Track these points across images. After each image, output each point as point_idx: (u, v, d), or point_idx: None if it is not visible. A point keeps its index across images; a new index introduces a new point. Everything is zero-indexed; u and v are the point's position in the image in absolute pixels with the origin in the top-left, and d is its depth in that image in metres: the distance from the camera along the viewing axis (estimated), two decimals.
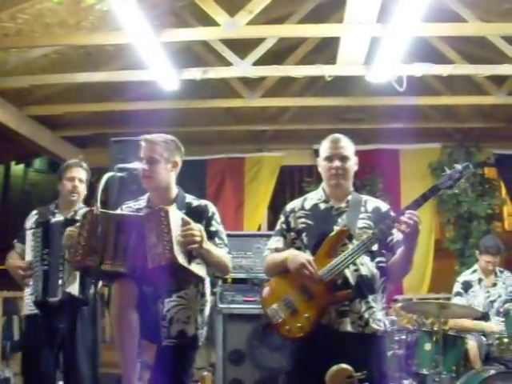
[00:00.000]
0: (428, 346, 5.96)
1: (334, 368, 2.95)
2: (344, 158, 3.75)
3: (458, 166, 3.55)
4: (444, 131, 9.84)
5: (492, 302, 6.56)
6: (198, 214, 3.77)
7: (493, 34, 7.00)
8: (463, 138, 9.71)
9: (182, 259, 3.34)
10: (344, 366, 2.95)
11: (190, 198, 3.89)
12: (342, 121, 9.07)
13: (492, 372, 5.53)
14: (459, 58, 7.68)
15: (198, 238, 3.44)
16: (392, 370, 6.19)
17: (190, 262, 3.44)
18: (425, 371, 5.95)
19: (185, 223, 3.45)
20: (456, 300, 6.59)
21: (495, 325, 6.25)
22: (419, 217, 3.40)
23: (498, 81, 8.19)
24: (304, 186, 8.99)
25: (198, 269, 3.55)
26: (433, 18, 6.31)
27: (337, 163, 3.72)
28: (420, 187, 8.36)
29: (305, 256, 3.55)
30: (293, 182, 10.65)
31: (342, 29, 6.15)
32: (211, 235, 3.76)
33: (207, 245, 3.56)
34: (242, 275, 6.43)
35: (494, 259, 6.64)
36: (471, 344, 6.12)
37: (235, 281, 6.43)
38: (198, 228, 3.49)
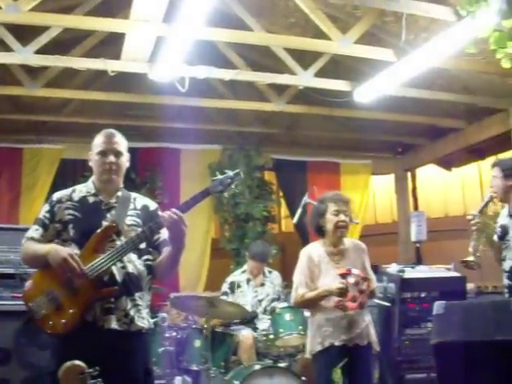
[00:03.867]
0: (198, 343, 6.09)
1: (67, 364, 2.90)
2: (118, 154, 3.72)
3: (230, 173, 3.64)
4: (225, 134, 10.07)
5: (260, 300, 6.85)
6: None
7: (276, 45, 7.30)
8: (243, 141, 10.00)
9: None
10: (77, 362, 2.91)
11: None
12: (125, 117, 9.00)
13: (257, 367, 5.74)
14: (244, 64, 7.92)
15: None
16: (164, 366, 6.25)
17: None
18: (195, 367, 6.07)
19: None
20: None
21: None
22: (182, 217, 3.45)
23: (279, 89, 8.54)
24: (82, 181, 8.81)
25: None
26: (220, 24, 6.47)
27: (111, 158, 3.68)
28: (199, 187, 8.34)
29: (67, 250, 3.44)
30: (75, 175, 10.38)
31: (127, 25, 6.14)
32: None
33: None
34: (11, 270, 6.18)
35: (258, 265, 6.94)
36: (247, 338, 6.33)
37: (3, 276, 6.17)
38: None
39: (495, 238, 4.94)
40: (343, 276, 4.50)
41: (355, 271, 4.54)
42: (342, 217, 4.73)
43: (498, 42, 4.27)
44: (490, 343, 4.29)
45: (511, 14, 4.03)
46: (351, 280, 4.51)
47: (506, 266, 4.87)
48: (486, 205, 4.88)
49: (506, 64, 4.36)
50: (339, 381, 4.43)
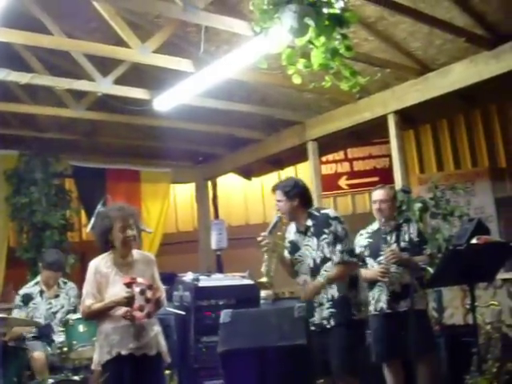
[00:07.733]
0: None
1: None
2: None
3: None
4: (22, 139, 9.67)
5: (54, 313, 6.67)
6: None
7: (74, 50, 7.16)
8: (41, 147, 9.65)
9: None
10: None
11: None
12: None
13: (51, 381, 5.62)
14: (42, 68, 7.69)
15: None
16: None
17: None
18: None
19: None
20: (16, 312, 6.56)
21: None
22: None
23: (79, 95, 8.38)
24: None
25: None
26: (19, 25, 6.22)
27: None
28: None
29: None
30: None
31: None
32: None
33: None
34: None
35: (54, 275, 6.77)
36: (38, 354, 6.15)
37: None
38: None
39: (286, 253, 5.08)
40: (128, 285, 4.47)
41: (140, 280, 4.52)
42: (128, 232, 4.64)
43: (290, 58, 4.42)
44: (273, 349, 4.45)
45: (302, 33, 4.17)
46: (137, 289, 4.49)
47: (300, 280, 5.03)
48: (275, 226, 4.93)
49: (296, 80, 4.52)
50: None
